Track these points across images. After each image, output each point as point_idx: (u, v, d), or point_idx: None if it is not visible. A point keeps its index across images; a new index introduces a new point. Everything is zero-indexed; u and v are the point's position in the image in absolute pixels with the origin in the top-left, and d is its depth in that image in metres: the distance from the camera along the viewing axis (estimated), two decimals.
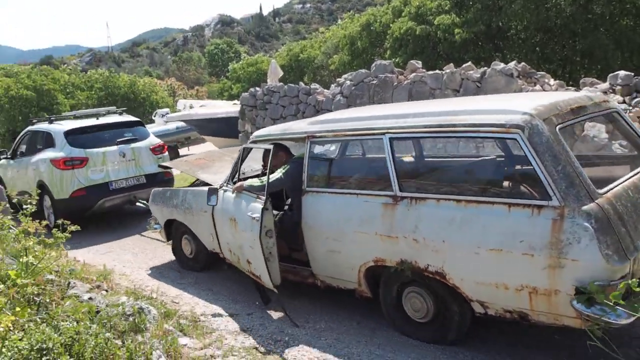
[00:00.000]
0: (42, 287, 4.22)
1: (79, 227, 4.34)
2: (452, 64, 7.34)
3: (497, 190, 3.40)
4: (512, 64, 6.65)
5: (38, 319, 3.46)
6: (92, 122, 8.42)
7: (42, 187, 7.90)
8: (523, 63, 7.00)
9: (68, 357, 2.98)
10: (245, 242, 4.44)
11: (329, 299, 4.78)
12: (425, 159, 4.51)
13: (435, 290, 3.57)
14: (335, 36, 22.79)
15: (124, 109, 9.78)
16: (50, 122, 8.63)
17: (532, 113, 3.12)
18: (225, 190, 4.79)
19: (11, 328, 2.89)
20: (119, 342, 3.49)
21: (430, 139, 4.05)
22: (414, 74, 7.43)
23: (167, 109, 19.33)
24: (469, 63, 7.06)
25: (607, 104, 3.79)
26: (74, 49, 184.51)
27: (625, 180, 3.26)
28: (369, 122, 3.91)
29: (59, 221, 4.43)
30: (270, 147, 4.43)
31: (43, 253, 5.27)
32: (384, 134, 3.69)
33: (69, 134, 7.96)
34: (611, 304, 2.67)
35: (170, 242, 6.12)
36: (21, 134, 9.34)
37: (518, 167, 3.45)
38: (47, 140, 8.23)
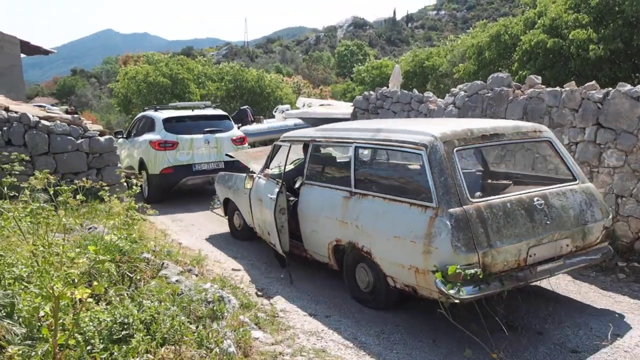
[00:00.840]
0: (136, 265, 4.63)
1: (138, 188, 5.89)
2: (573, 81, 6.90)
3: (406, 191, 4.50)
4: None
5: (125, 294, 3.81)
6: (187, 113, 10.13)
7: (142, 163, 9.69)
8: None
9: (145, 333, 3.26)
10: (267, 217, 5.74)
11: (408, 314, 4.78)
12: (371, 164, 5.81)
13: (371, 266, 4.60)
14: (463, 45, 22.24)
15: (217, 104, 11.53)
16: (156, 110, 10.36)
17: (436, 136, 4.14)
18: (259, 177, 6.23)
19: (90, 300, 3.22)
20: (193, 327, 3.72)
21: (380, 148, 5.16)
22: (531, 89, 7.10)
23: (287, 106, 20.07)
24: (593, 82, 6.60)
25: (540, 134, 4.74)
26: (213, 42, 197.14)
27: (513, 195, 4.20)
28: (347, 134, 5.22)
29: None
30: (288, 145, 5.98)
31: (140, 230, 5.76)
32: (351, 143, 4.95)
33: (166, 121, 9.60)
34: (458, 283, 3.72)
35: (227, 216, 7.64)
36: (135, 118, 10.83)
37: (421, 175, 4.24)
38: (150, 125, 9.92)
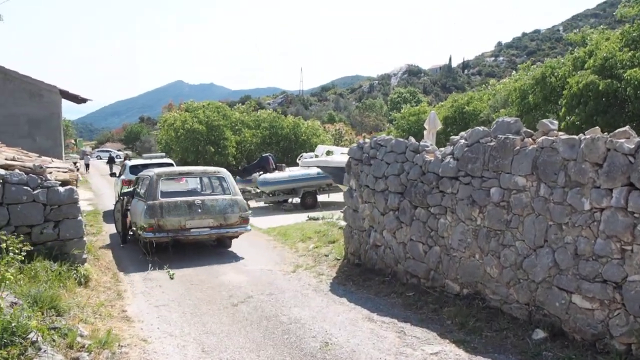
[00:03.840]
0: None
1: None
2: (598, 127, 5.40)
3: (143, 195, 10.58)
4: None
5: None
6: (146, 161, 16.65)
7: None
8: None
9: None
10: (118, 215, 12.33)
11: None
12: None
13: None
14: (506, 89, 20.68)
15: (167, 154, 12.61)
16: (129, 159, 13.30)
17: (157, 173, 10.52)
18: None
19: None
20: None
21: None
22: (543, 137, 5.64)
23: (313, 153, 19.07)
24: (625, 128, 5.08)
25: (217, 173, 11.30)
26: (272, 91, 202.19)
27: (175, 197, 10.65)
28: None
29: None
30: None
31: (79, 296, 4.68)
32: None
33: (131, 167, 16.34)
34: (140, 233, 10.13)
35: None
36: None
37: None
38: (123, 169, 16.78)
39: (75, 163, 46.10)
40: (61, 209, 7.71)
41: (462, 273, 6.48)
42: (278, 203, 18.25)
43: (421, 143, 7.29)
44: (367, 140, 8.46)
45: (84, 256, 7.99)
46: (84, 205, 19.36)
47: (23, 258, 5.26)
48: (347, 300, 7.12)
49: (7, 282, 4.58)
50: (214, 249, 11.11)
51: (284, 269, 9.19)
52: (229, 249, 10.99)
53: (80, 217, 7.95)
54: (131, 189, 11.69)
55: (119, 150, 66.19)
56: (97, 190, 25.79)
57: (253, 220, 15.05)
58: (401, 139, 7.67)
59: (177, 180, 13.02)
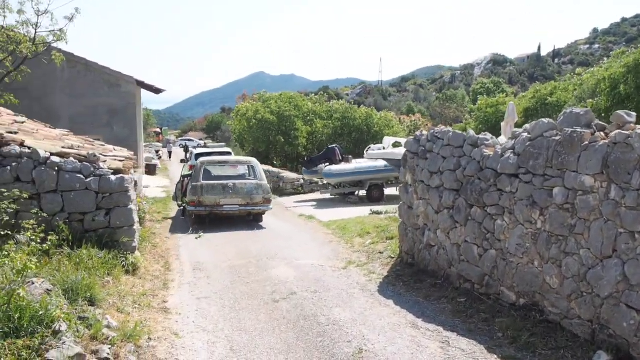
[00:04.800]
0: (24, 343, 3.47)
1: None
2: None
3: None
4: None
5: None
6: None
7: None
8: None
9: None
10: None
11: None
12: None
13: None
14: (594, 78, 19.07)
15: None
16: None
17: (201, 161, 13.97)
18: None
19: None
20: None
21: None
22: (617, 131, 4.90)
23: (380, 145, 18.55)
24: None
25: (249, 162, 14.42)
26: (351, 82, 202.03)
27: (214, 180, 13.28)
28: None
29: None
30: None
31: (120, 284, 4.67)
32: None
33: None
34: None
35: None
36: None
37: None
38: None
39: (157, 151, 48.34)
40: (112, 197, 7.80)
41: (519, 281, 5.85)
42: (344, 195, 17.93)
43: (480, 136, 6.67)
44: (424, 132, 7.91)
45: (134, 244, 8.06)
46: (157, 192, 20.12)
47: (48, 248, 5.24)
48: (394, 302, 6.68)
49: (33, 270, 4.53)
50: (274, 240, 11.00)
51: (335, 265, 8.88)
52: (286, 245, 10.76)
53: (131, 206, 8.00)
54: (190, 172, 14.36)
55: (199, 139, 68.36)
56: (175, 177, 26.62)
57: (315, 212, 14.96)
58: (459, 132, 7.07)
59: (232, 166, 15.20)
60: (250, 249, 10.10)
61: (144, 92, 23.73)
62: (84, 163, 7.81)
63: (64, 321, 4.64)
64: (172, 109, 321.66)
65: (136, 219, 8.61)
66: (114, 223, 7.79)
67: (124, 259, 7.50)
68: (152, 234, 10.94)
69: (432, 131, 7.57)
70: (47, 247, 5.50)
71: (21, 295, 4.28)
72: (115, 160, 8.86)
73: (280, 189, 20.31)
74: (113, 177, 7.85)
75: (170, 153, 44.36)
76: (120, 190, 7.85)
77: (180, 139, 72.31)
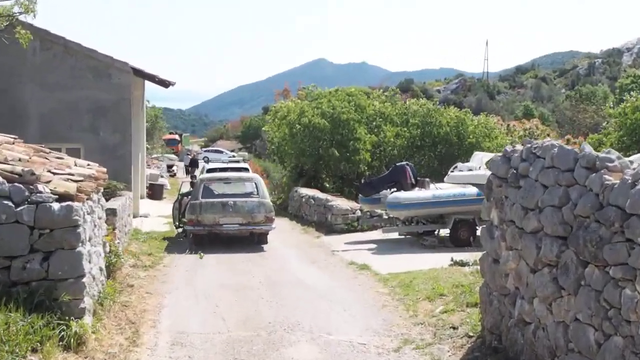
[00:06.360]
0: None
1: None
2: None
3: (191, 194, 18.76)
4: None
5: None
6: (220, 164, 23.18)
7: None
8: None
9: None
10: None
11: None
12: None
13: None
14: None
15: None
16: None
17: (201, 178, 19.16)
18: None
19: None
20: None
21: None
22: None
23: (469, 165, 17.88)
24: None
25: (251, 180, 18.49)
26: (446, 73, 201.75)
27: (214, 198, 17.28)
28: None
29: None
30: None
31: None
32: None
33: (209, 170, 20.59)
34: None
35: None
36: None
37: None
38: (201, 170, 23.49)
39: (171, 167, 49.06)
40: (53, 234, 7.49)
41: None
42: (417, 235, 17.31)
43: (601, 154, 5.89)
44: (517, 147, 7.19)
45: (82, 305, 7.68)
46: (158, 224, 20.12)
47: None
48: None
49: None
50: (299, 299, 10.48)
51: (383, 343, 8.46)
52: (315, 308, 10.21)
53: (80, 248, 7.67)
54: (188, 189, 19.19)
55: (231, 150, 68.59)
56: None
57: (372, 259, 14.56)
58: (569, 147, 6.33)
59: (234, 183, 18.31)
60: (262, 313, 9.83)
61: (151, 86, 23.80)
62: (16, 184, 7.55)
63: None
64: (199, 108, 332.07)
65: (92, 267, 8.31)
66: (53, 273, 7.43)
67: (63, 327, 7.13)
68: (126, 287, 10.69)
69: (529, 146, 6.83)
70: None
71: None
72: (68, 180, 8.59)
73: (327, 224, 20.06)
74: (56, 206, 7.54)
75: (187, 168, 45.05)
76: (65, 225, 7.54)
77: (204, 149, 72.78)
